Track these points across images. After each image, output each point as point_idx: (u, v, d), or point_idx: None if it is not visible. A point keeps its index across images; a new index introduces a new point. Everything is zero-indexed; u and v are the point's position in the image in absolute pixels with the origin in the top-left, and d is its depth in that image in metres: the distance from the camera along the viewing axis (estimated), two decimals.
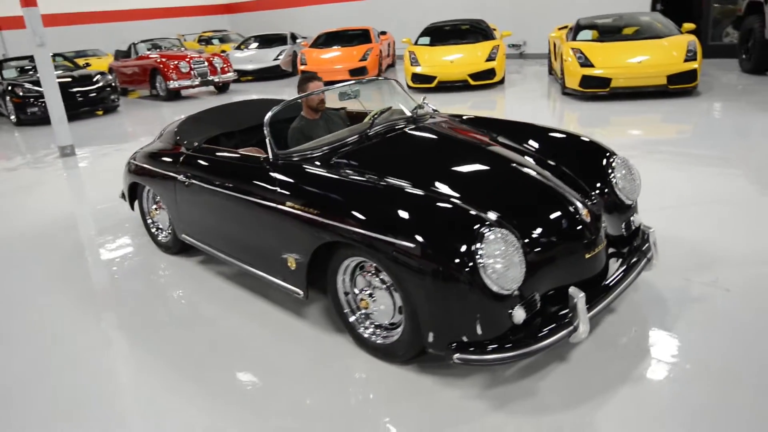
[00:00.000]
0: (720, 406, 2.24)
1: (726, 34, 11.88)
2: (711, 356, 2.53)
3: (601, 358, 2.58)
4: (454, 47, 10.59)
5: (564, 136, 3.30)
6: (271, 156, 3.07)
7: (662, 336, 2.69)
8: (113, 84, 11.32)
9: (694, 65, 7.87)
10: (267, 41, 15.33)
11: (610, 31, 9.23)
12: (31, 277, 4.04)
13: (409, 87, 10.52)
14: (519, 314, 2.27)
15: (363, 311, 2.75)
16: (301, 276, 2.83)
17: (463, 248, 2.20)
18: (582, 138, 3.25)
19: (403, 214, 2.39)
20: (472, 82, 10.03)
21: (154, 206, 4.15)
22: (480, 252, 2.19)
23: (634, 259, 2.76)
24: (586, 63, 8.26)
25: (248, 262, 3.22)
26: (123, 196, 4.59)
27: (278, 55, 14.42)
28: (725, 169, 5.18)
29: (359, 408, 2.44)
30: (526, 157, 3.06)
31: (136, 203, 4.39)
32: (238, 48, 15.56)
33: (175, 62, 12.01)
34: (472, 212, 2.34)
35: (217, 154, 3.46)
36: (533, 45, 14.12)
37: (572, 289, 2.33)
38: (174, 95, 12.48)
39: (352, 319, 2.78)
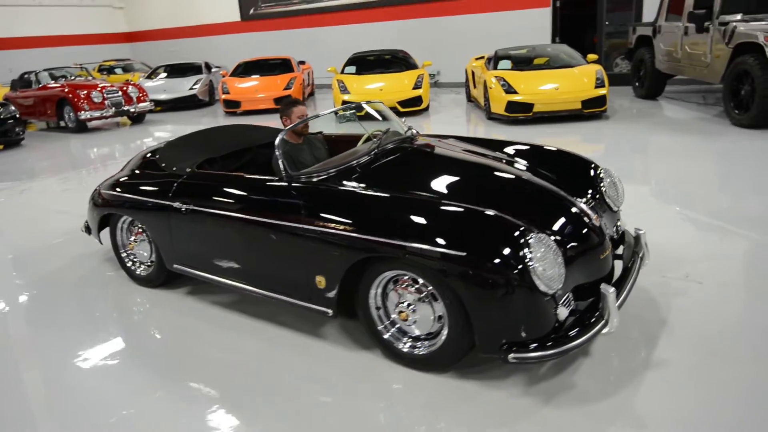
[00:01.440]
0: (737, 378, 2.55)
1: (616, 64, 13.28)
2: (712, 340, 2.87)
3: (619, 350, 2.84)
4: (381, 76, 10.96)
5: (551, 150, 3.60)
6: (285, 177, 3.09)
7: (664, 326, 3.01)
8: (17, 116, 10.46)
9: (603, 91, 8.75)
10: (180, 70, 14.90)
11: (523, 61, 10.01)
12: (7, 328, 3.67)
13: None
14: (562, 312, 2.47)
15: (397, 326, 2.81)
16: (332, 294, 2.85)
17: (513, 253, 2.37)
18: (566, 152, 3.57)
19: (448, 226, 2.53)
20: (400, 109, 10.40)
21: (132, 238, 3.94)
22: (529, 255, 2.37)
23: (633, 259, 3.07)
24: (510, 90, 8.90)
25: (263, 287, 3.17)
26: (87, 229, 4.31)
27: (194, 84, 14.06)
28: (645, 180, 5.84)
29: (412, 418, 2.49)
30: (522, 169, 3.32)
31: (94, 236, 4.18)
32: (148, 77, 14.97)
33: (86, 92, 11.33)
34: (511, 219, 2.52)
35: (220, 179, 3.40)
36: (446, 74, 14.88)
37: (603, 285, 2.56)
38: (82, 127, 11.74)
39: (387, 336, 2.83)
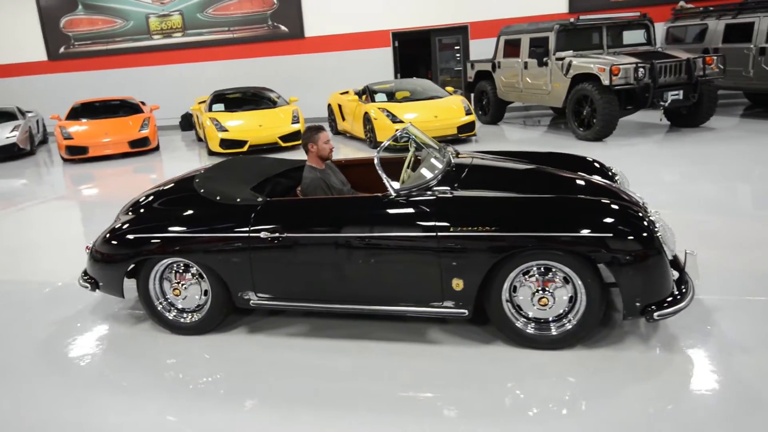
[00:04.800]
0: None
1: None
2: (737, 282, 3.73)
3: None
4: (256, 112, 10.86)
5: (567, 154, 4.25)
6: (393, 193, 3.21)
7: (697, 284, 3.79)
8: None
9: (472, 118, 9.97)
10: None
11: (390, 94, 10.85)
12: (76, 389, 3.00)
13: (212, 153, 10.37)
14: (674, 273, 3.05)
15: (535, 316, 3.12)
16: (470, 294, 3.05)
17: (645, 229, 2.90)
18: (584, 157, 4.24)
19: (585, 214, 2.96)
20: (282, 144, 10.41)
21: (177, 282, 3.54)
22: (656, 229, 2.92)
23: None
24: (395, 119, 9.62)
25: (380, 302, 3.22)
26: (93, 285, 3.71)
27: (12, 132, 12.09)
28: None
29: (581, 389, 2.82)
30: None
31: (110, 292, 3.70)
32: None
33: None
34: (628, 205, 3.05)
35: (315, 203, 3.33)
36: None
37: (689, 250, 3.22)
38: None
39: (519, 324, 3.12)
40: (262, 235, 3.26)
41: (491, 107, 12.00)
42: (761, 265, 4.02)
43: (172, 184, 3.97)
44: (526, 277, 3.07)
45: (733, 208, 5.43)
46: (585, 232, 2.87)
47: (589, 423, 2.56)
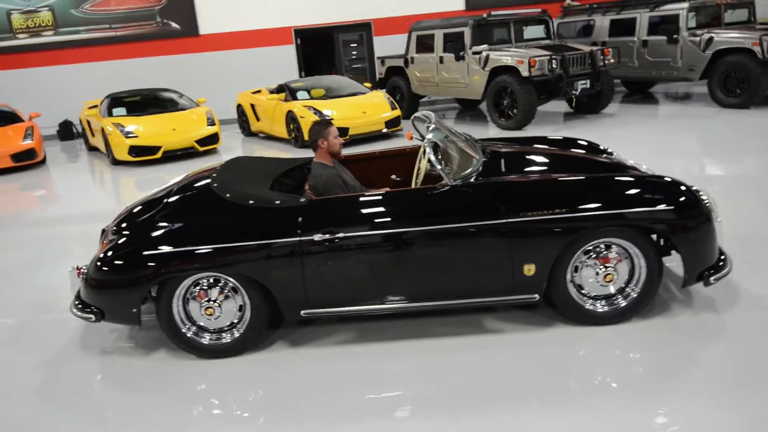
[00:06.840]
0: None
1: None
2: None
3: None
4: (166, 115, 10.00)
5: (566, 138, 4.39)
6: (451, 183, 3.10)
7: None
8: None
9: (398, 112, 10.05)
10: None
11: (309, 91, 10.54)
12: None
13: (119, 162, 9.39)
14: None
15: (590, 292, 3.16)
16: (541, 278, 3.03)
17: (698, 199, 3.09)
18: (577, 139, 4.40)
19: (649, 190, 3.08)
20: (199, 148, 9.68)
21: (210, 300, 3.10)
22: (704, 198, 3.11)
23: None
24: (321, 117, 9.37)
25: (446, 297, 3.11)
26: (98, 315, 3.15)
27: None
28: None
29: (660, 355, 2.93)
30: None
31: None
32: None
33: None
34: (671, 179, 3.21)
35: (371, 198, 3.09)
36: None
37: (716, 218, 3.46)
38: None
39: (588, 305, 3.15)
40: (317, 237, 2.97)
41: (405, 102, 12.11)
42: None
43: (181, 190, 3.49)
44: (586, 256, 3.12)
45: None
46: (652, 207, 2.98)
47: (682, 392, 2.66)
